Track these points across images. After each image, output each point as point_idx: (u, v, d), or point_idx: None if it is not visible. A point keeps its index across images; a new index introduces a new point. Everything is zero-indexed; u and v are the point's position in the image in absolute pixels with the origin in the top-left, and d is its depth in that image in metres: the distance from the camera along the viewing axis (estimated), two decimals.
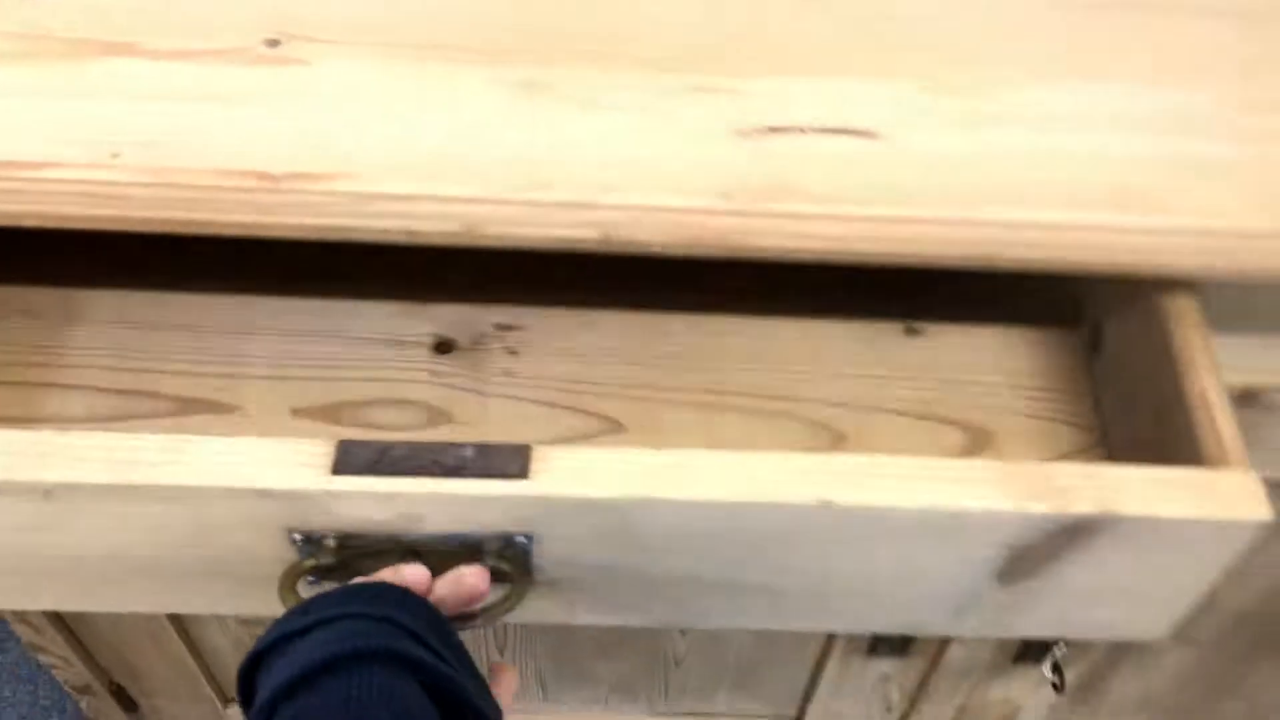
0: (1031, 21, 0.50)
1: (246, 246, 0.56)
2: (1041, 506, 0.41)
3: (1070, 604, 0.47)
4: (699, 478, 0.41)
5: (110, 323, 0.55)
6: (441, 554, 0.44)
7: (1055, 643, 0.79)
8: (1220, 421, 0.44)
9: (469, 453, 0.42)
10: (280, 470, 0.41)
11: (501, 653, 0.84)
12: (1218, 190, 0.44)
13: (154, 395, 0.53)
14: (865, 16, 0.50)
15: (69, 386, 0.53)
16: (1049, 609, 0.47)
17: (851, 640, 0.80)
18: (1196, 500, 0.41)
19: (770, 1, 0.50)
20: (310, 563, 0.44)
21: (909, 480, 0.41)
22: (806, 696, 0.89)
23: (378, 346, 0.55)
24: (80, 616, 0.77)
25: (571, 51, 0.48)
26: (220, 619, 0.80)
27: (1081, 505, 0.41)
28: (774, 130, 0.45)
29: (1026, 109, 0.46)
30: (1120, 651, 0.84)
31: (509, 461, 0.42)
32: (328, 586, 0.46)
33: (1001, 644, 0.81)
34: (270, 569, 0.45)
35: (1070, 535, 0.42)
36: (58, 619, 0.78)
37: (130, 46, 0.47)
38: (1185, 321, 0.46)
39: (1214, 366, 0.45)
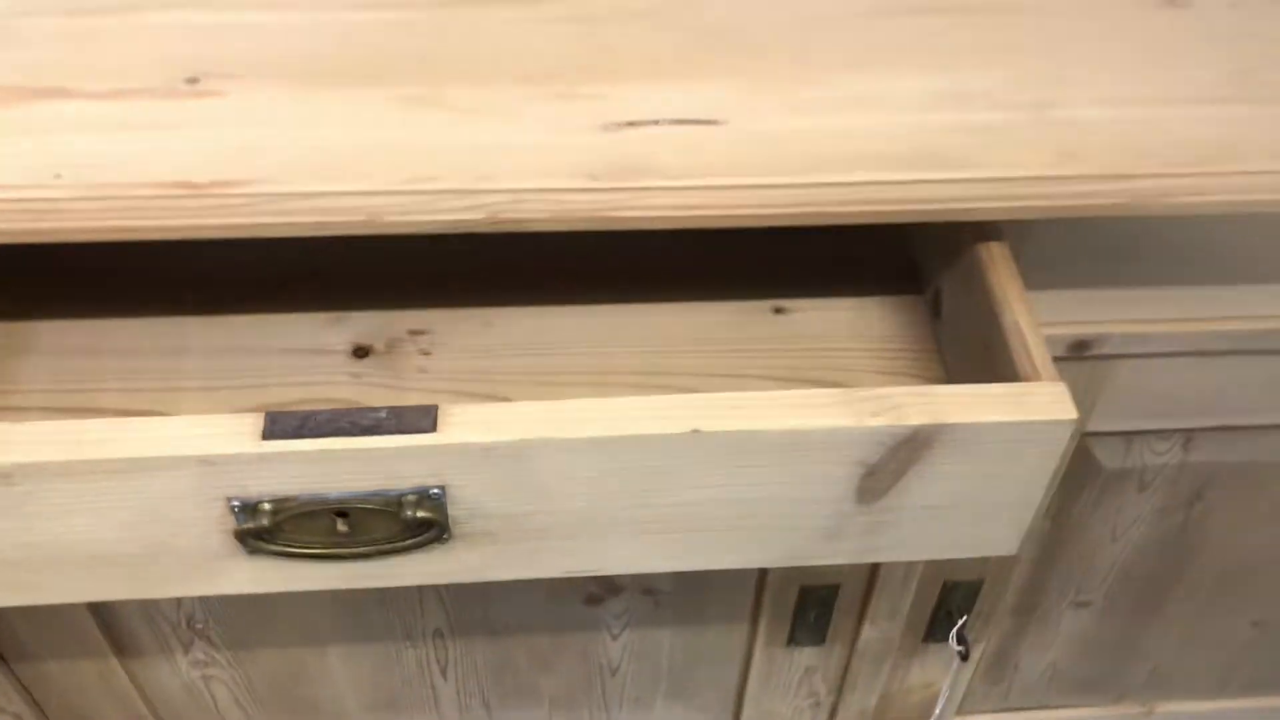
0: (842, 26, 0.59)
1: (176, 274, 0.63)
2: (880, 421, 0.48)
3: (926, 523, 0.53)
4: (585, 420, 0.48)
5: (53, 352, 0.60)
6: (365, 511, 0.50)
7: (959, 616, 0.85)
8: (1032, 345, 0.51)
9: (383, 414, 0.48)
10: (216, 439, 0.47)
11: (444, 672, 0.88)
12: (1009, 148, 0.52)
13: (97, 410, 0.58)
14: (705, 31, 0.58)
15: (19, 409, 0.58)
16: (910, 529, 0.53)
17: (771, 633, 0.86)
18: (1012, 407, 0.48)
19: (621, 25, 0.59)
20: (248, 526, 0.49)
21: (766, 409, 0.48)
22: (739, 699, 0.94)
23: (301, 355, 0.61)
24: (31, 663, 0.80)
25: (451, 73, 0.55)
26: (171, 659, 0.83)
27: (914, 418, 0.48)
28: (631, 124, 0.52)
29: (843, 96, 0.54)
30: (1020, 621, 0.91)
31: (420, 418, 0.48)
32: (268, 550, 0.51)
33: (909, 623, 0.87)
34: (211, 543, 0.50)
35: (909, 447, 0.49)
36: (8, 669, 0.81)
37: (62, 91, 0.53)
38: (998, 265, 0.54)
39: (1025, 301, 0.53)
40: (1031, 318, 0.52)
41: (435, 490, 0.49)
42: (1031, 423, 0.48)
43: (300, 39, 0.57)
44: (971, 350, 0.57)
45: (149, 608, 0.78)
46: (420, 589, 0.79)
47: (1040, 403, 0.49)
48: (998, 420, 0.48)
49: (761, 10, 0.60)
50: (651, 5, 0.60)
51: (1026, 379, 0.51)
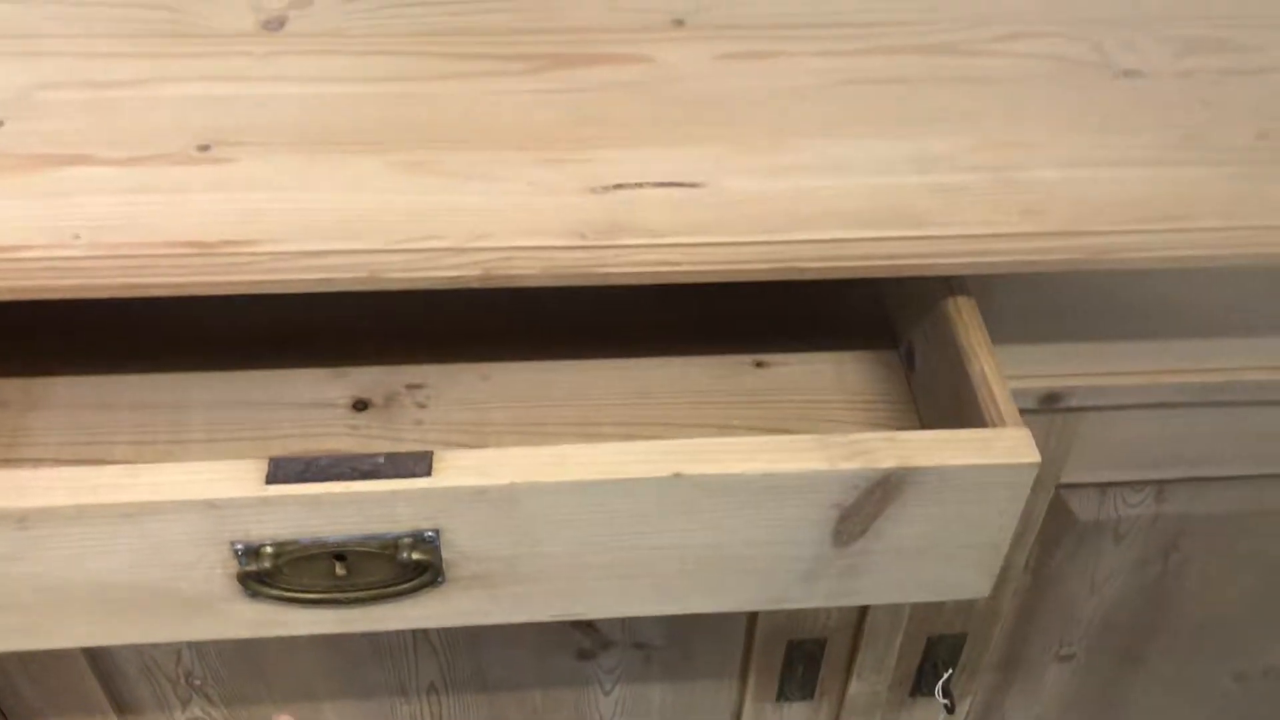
0: (815, 96, 0.63)
1: (184, 332, 0.66)
2: (853, 464, 0.50)
3: (901, 565, 0.55)
4: (573, 464, 0.50)
5: (66, 406, 0.63)
6: (362, 555, 0.52)
7: (944, 669, 0.87)
8: (997, 394, 0.54)
9: (381, 459, 0.50)
10: (222, 483, 0.49)
11: None
12: (973, 207, 0.55)
13: (108, 462, 0.61)
14: (685, 102, 0.62)
15: (32, 460, 0.61)
16: (885, 572, 0.56)
17: (760, 688, 0.87)
18: (978, 451, 0.51)
19: (607, 97, 0.62)
20: (251, 569, 0.51)
21: (746, 453, 0.51)
22: None
23: (302, 409, 0.63)
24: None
25: (447, 140, 0.58)
26: (169, 717, 0.85)
27: (885, 461, 0.51)
28: (618, 187, 0.56)
29: (816, 160, 0.58)
30: (1005, 674, 0.92)
31: (415, 464, 0.50)
32: (268, 594, 0.53)
33: (896, 678, 0.89)
34: (214, 586, 0.53)
35: (882, 490, 0.51)
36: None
37: (83, 157, 0.57)
38: (965, 319, 0.57)
39: (991, 352, 0.56)
40: (997, 368, 0.55)
41: (430, 533, 0.51)
42: (997, 465, 0.51)
43: (305, 109, 0.61)
44: (943, 401, 0.59)
45: (149, 663, 0.80)
46: (414, 643, 0.81)
47: (1005, 446, 0.51)
48: (965, 463, 0.51)
49: (738, 82, 0.64)
50: (635, 78, 0.64)
51: (993, 425, 0.53)
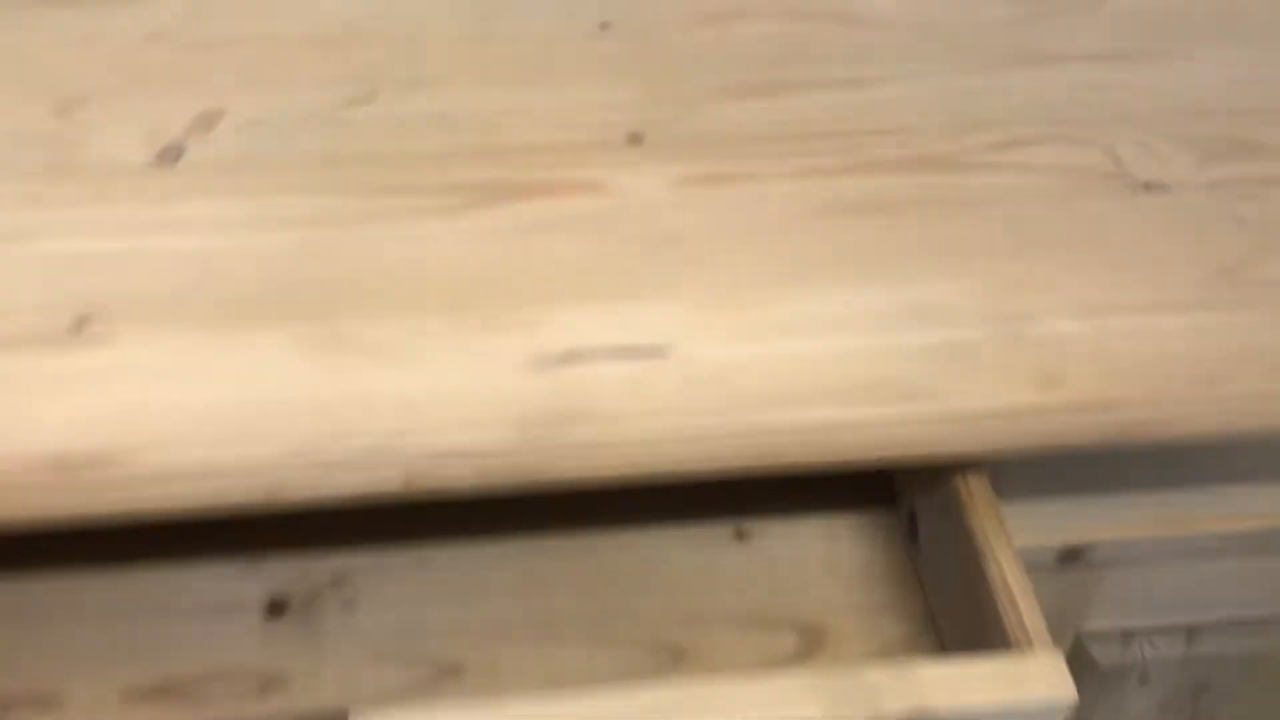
0: (786, 231, 0.54)
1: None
2: (855, 710, 0.42)
3: None
4: None
5: None
6: None
7: None
8: (1020, 600, 0.46)
9: None
10: None
11: None
12: (983, 374, 0.47)
13: None
14: (642, 241, 0.53)
15: None
16: None
17: None
18: (1003, 686, 0.43)
19: (552, 238, 0.54)
20: None
21: (727, 704, 0.42)
22: None
23: (209, 616, 0.54)
24: None
25: (363, 303, 0.50)
26: None
27: (893, 704, 0.42)
28: (566, 358, 0.47)
29: (795, 315, 0.49)
30: None
31: None
32: None
33: None
34: None
35: None
36: None
37: None
38: (977, 502, 0.48)
39: (1009, 547, 0.47)
40: (1018, 567, 0.47)
41: None
42: (1026, 706, 0.42)
43: (202, 268, 0.52)
44: (952, 591, 0.51)
45: None
46: None
47: (1034, 679, 0.43)
48: (988, 703, 0.42)
49: (703, 214, 0.56)
50: (586, 212, 0.56)
51: (1016, 643, 0.45)
